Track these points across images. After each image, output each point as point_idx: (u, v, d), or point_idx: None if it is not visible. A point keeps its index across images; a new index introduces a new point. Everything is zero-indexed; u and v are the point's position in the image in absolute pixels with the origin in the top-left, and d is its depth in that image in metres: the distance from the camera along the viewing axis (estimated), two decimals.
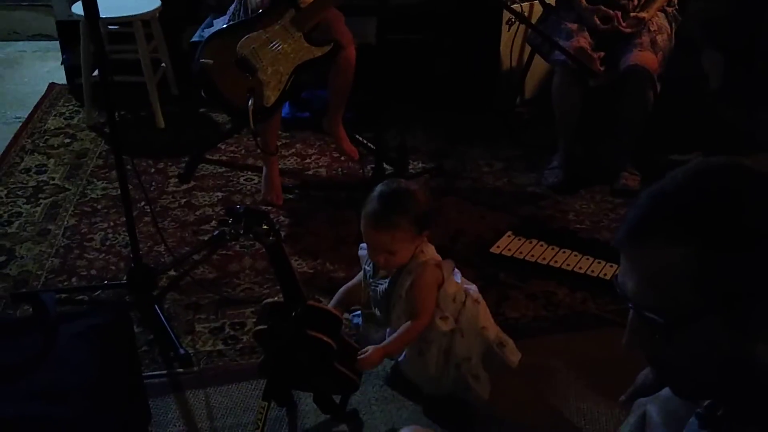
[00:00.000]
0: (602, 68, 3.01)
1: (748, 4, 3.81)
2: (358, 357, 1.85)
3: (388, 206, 1.83)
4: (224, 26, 2.83)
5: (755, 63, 3.87)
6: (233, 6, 2.94)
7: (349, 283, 2.10)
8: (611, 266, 2.54)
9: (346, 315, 2.09)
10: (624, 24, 3.03)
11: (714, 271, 0.86)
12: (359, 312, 2.10)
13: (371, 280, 1.99)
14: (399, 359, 2.01)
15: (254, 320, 2.28)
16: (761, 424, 0.92)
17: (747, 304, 0.87)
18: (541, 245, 2.69)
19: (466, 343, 1.91)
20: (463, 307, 1.93)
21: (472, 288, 2.00)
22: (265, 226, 1.59)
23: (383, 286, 1.93)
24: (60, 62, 3.99)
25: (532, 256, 2.63)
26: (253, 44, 2.68)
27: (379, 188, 1.89)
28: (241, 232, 1.56)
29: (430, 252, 1.94)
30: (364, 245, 1.96)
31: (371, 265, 1.98)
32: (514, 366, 1.96)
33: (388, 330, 1.97)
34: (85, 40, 3.41)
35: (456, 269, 2.00)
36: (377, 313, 2.00)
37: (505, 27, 3.56)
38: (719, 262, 0.86)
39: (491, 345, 1.94)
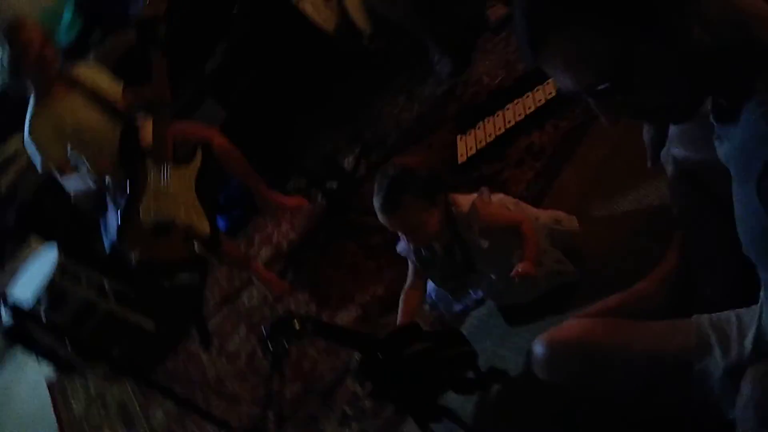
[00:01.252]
0: None
1: None
2: (518, 273, 1.82)
3: (388, 192, 1.84)
4: (119, 219, 2.84)
5: None
6: (107, 197, 2.95)
7: (404, 293, 2.11)
8: (545, 85, 2.59)
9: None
10: None
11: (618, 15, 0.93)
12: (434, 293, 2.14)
13: (435, 260, 2.00)
14: (482, 295, 2.06)
15: (359, 384, 2.31)
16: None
17: (660, 13, 0.93)
18: (488, 121, 2.74)
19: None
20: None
21: (499, 196, 2.06)
22: (296, 322, 1.62)
23: (458, 254, 1.96)
24: (37, 362, 3.97)
25: (490, 135, 2.68)
26: (149, 207, 2.69)
27: (377, 177, 1.89)
28: (287, 345, 1.60)
29: (464, 198, 1.96)
30: (398, 244, 2.00)
31: (423, 249, 2.01)
32: (579, 230, 2.02)
33: (488, 281, 2.00)
34: (36, 330, 3.40)
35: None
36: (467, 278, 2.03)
37: (301, 3, 3.58)
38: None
39: (551, 227, 2.00)
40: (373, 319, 2.50)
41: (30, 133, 2.70)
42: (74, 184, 2.81)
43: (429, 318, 2.22)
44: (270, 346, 1.62)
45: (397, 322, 2.07)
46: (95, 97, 2.77)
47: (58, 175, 2.79)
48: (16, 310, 2.04)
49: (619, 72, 0.96)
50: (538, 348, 1.45)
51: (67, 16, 3.94)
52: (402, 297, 2.11)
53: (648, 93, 1.00)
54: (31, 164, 3.71)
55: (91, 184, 2.77)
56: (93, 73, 2.88)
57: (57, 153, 2.72)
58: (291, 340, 1.60)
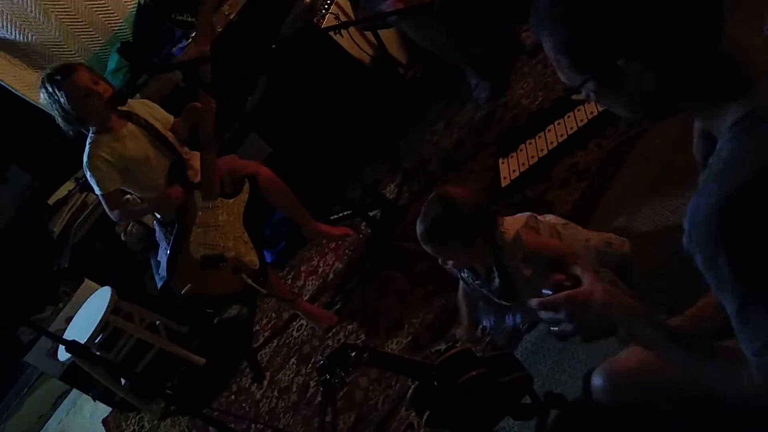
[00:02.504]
0: None
1: None
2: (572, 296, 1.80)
3: (431, 227, 1.84)
4: (168, 254, 2.90)
5: None
6: (158, 233, 3.01)
7: (459, 293, 2.12)
8: (587, 104, 2.58)
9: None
10: None
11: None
12: (486, 315, 2.13)
13: (477, 282, 2.01)
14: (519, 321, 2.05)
15: (415, 412, 2.30)
16: None
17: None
18: (530, 143, 2.74)
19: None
20: (559, 236, 1.97)
21: (549, 217, 2.04)
22: (352, 353, 1.63)
23: (496, 280, 1.95)
24: (93, 399, 4.05)
25: (533, 157, 2.68)
26: (200, 242, 2.74)
27: (425, 205, 1.88)
28: (343, 375, 1.61)
29: (512, 223, 1.94)
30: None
31: (466, 270, 2.01)
32: (630, 251, 1.98)
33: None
34: (90, 368, 3.47)
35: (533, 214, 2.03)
36: (503, 302, 2.02)
37: (337, 37, 3.64)
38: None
39: (601, 250, 1.97)
40: (424, 346, 2.49)
41: (89, 161, 2.77)
42: (128, 214, 2.86)
43: (482, 342, 2.20)
44: (327, 376, 1.63)
45: (461, 326, 2.09)
46: (149, 128, 2.83)
47: (107, 206, 2.82)
48: (73, 347, 2.08)
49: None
50: (598, 380, 1.43)
51: (112, 62, 4.07)
52: (459, 298, 2.13)
53: (657, 84, 1.01)
54: (82, 206, 3.84)
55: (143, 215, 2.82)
56: (146, 106, 2.95)
57: (114, 183, 2.78)
58: (348, 370, 1.61)
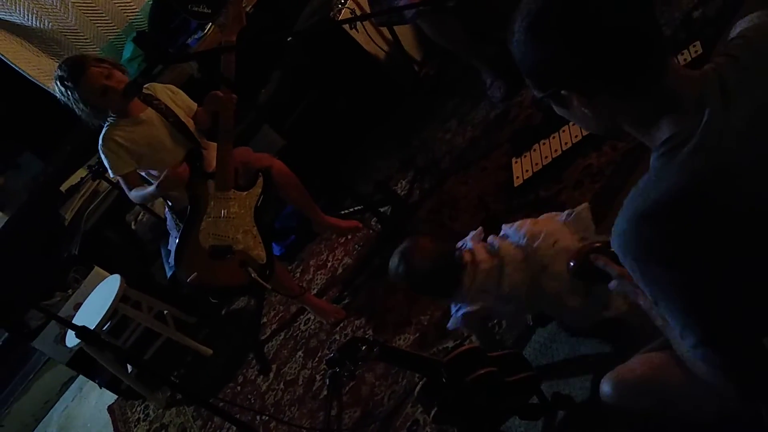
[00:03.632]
0: None
1: None
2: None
3: (396, 274, 2.05)
4: (177, 242, 2.90)
5: None
6: (169, 222, 3.02)
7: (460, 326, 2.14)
8: None
9: None
10: None
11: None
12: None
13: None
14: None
15: (423, 408, 2.30)
16: None
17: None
18: (543, 143, 2.72)
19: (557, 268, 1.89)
20: (529, 249, 1.94)
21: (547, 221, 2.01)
22: (363, 346, 1.63)
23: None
24: (99, 386, 4.07)
25: (546, 157, 2.67)
26: (209, 231, 2.74)
27: (393, 254, 2.06)
28: (353, 368, 1.61)
29: (485, 256, 1.99)
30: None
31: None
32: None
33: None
34: (98, 354, 3.49)
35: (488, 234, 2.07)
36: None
37: (353, 32, 3.64)
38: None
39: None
40: (431, 343, 2.49)
41: (103, 143, 2.78)
42: (140, 197, 2.88)
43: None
44: (337, 369, 1.63)
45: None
46: (168, 114, 2.82)
47: (125, 187, 2.85)
48: (82, 332, 2.09)
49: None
50: (606, 387, 1.45)
51: (127, 51, 4.08)
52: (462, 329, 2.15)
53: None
54: (94, 194, 3.85)
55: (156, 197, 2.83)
56: (169, 91, 2.93)
57: (126, 166, 2.78)
58: (357, 363, 1.61)
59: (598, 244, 1.40)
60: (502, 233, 2.05)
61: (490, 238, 2.06)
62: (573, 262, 1.43)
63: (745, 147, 1.03)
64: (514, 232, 2.00)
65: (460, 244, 2.10)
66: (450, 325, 2.09)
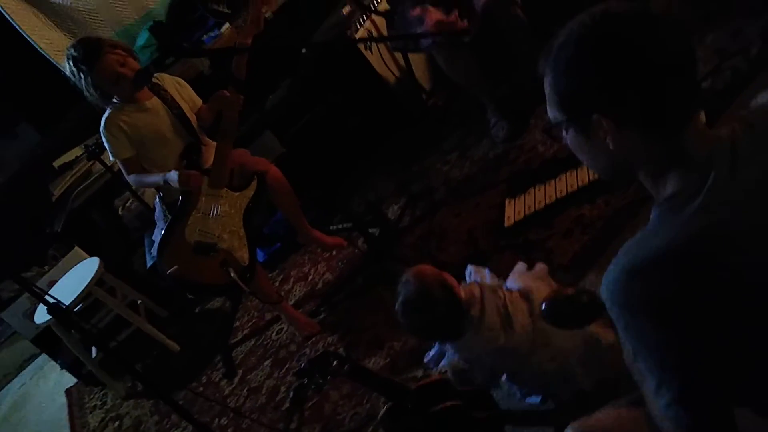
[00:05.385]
0: (465, 22, 3.11)
1: None
2: None
3: (402, 311, 1.95)
4: (163, 233, 2.89)
5: None
6: (157, 213, 3.00)
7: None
8: None
9: None
10: None
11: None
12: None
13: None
14: None
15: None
16: None
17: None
18: (539, 188, 2.74)
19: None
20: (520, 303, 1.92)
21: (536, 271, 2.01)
22: (334, 361, 1.62)
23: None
24: (60, 368, 4.01)
25: (540, 202, 2.68)
26: (196, 227, 2.74)
27: (400, 283, 1.95)
28: (321, 381, 1.59)
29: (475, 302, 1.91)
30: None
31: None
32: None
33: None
34: (65, 334, 3.44)
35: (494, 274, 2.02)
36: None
37: (367, 53, 3.67)
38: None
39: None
40: (401, 370, 2.47)
41: (105, 127, 2.77)
42: (140, 182, 2.88)
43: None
44: (305, 381, 1.62)
45: None
46: (173, 106, 2.83)
47: (124, 171, 2.84)
48: (55, 308, 2.06)
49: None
50: None
51: (141, 38, 4.09)
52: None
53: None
54: (86, 174, 3.83)
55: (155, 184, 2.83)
56: (176, 83, 2.94)
57: (126, 151, 2.78)
58: (326, 378, 1.60)
59: (570, 292, 1.40)
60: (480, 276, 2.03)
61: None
62: (545, 304, 1.43)
63: (746, 215, 1.03)
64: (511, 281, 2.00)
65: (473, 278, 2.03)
66: (429, 361, 2.08)
